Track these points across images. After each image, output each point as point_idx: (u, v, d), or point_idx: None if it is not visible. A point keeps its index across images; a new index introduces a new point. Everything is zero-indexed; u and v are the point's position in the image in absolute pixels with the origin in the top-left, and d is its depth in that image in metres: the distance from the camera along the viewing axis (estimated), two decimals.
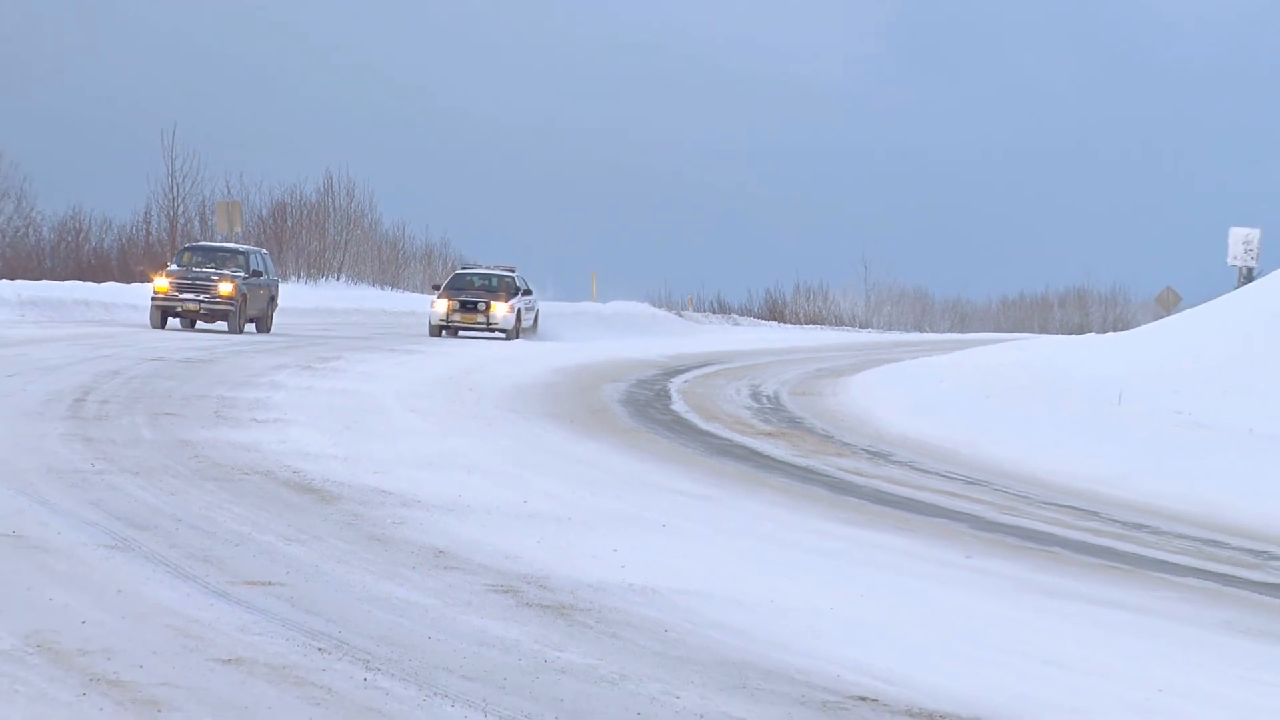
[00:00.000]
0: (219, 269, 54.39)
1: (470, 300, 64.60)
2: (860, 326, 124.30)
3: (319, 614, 15.01)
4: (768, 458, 30.56)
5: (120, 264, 78.25)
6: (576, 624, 15.30)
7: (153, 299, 54.01)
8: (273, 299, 57.64)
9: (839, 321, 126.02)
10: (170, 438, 26.56)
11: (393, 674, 13.05)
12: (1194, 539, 23.58)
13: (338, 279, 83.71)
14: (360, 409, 33.31)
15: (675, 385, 46.97)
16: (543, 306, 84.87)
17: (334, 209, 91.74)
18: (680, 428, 35.41)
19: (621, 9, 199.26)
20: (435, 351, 52.75)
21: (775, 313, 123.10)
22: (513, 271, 68.16)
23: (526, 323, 67.18)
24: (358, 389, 37.49)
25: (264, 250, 63.19)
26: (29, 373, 35.31)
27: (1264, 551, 22.68)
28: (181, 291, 53.35)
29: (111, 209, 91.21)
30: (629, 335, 76.84)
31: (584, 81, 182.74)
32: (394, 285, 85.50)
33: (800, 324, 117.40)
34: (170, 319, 53.79)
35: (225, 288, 53.23)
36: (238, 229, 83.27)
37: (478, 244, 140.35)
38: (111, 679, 12.41)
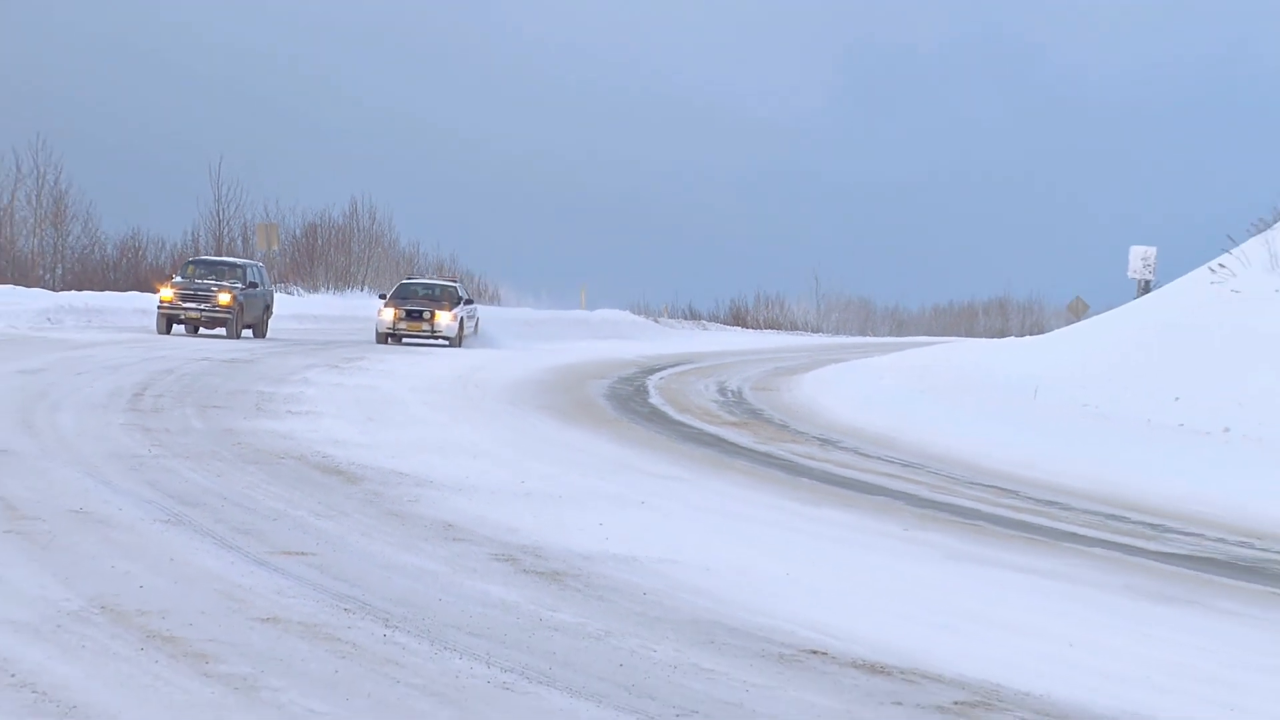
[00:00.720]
0: (219, 281, 53.50)
1: (415, 309, 56.94)
2: (812, 331, 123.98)
3: (345, 579, 15.02)
4: (732, 444, 30.54)
5: (173, 278, 78.41)
6: (567, 588, 15.30)
7: (159, 307, 53.21)
8: (268, 307, 56.85)
9: (794, 327, 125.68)
10: (217, 427, 26.55)
11: (409, 631, 13.06)
12: (1100, 514, 23.58)
13: (362, 290, 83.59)
14: (381, 402, 33.30)
15: (652, 382, 46.93)
16: (538, 314, 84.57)
17: (358, 229, 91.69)
18: (657, 418, 35.36)
19: (611, 58, 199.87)
20: (444, 353, 52.69)
21: (739, 319, 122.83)
22: (455, 282, 62.55)
23: (469, 330, 60.99)
24: (378, 385, 37.48)
25: (260, 264, 61.53)
26: (95, 371, 35.28)
27: (1160, 525, 22.69)
28: (184, 301, 52.51)
29: (165, 230, 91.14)
30: (613, 339, 76.72)
31: (577, 117, 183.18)
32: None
33: (760, 329, 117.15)
34: (175, 325, 53.03)
35: (224, 298, 52.35)
36: (275, 247, 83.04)
37: (481, 259, 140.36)
38: (166, 635, 12.41)
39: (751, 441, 31.36)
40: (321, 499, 19.92)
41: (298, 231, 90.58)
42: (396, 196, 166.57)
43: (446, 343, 56.56)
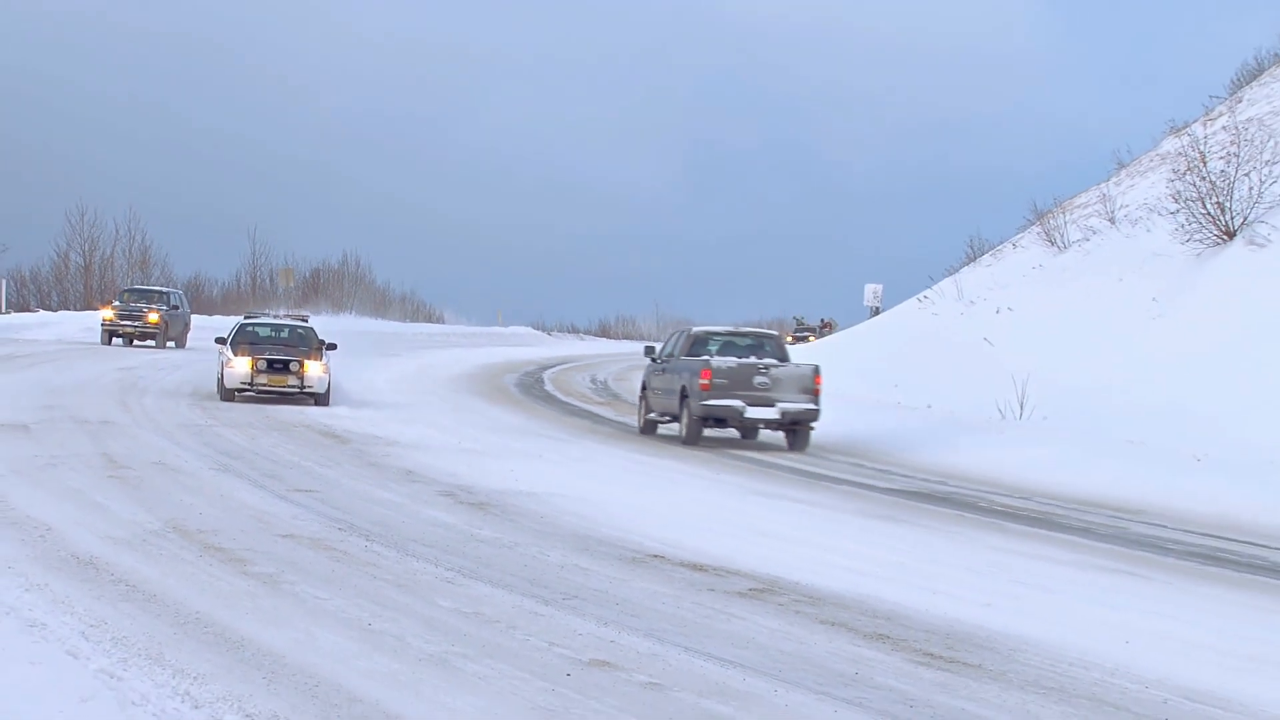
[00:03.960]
0: (149, 304, 47.32)
1: (279, 360, 28.90)
2: (654, 341, 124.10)
3: (339, 508, 14.95)
4: (600, 416, 30.56)
5: (223, 305, 77.61)
6: (489, 513, 15.28)
7: (102, 324, 46.85)
8: (186, 325, 49.68)
9: (642, 338, 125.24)
10: (251, 404, 26.38)
11: (382, 542, 13.02)
12: (846, 463, 23.73)
13: (350, 313, 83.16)
14: (364, 389, 33.13)
15: (547, 375, 46.88)
16: (470, 329, 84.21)
17: (347, 272, 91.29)
18: (549, 399, 35.31)
19: (525, 152, 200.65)
20: (416, 357, 52.31)
21: (605, 332, 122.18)
22: (307, 321, 32.83)
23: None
24: (368, 376, 37.28)
25: (181, 291, 54.35)
26: (169, 368, 35.01)
27: (885, 470, 22.86)
28: (121, 320, 46.24)
29: (218, 273, 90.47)
30: (519, 346, 76.45)
31: (502, 192, 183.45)
32: (383, 316, 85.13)
33: (619, 339, 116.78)
34: (115, 338, 46.37)
35: (153, 317, 46.34)
36: (291, 284, 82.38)
37: (432, 291, 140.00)
38: (217, 547, 12.35)
39: (613, 415, 31.39)
40: (323, 454, 19.86)
41: (307, 273, 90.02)
42: (374, 248, 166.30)
43: (312, 401, 28.78)
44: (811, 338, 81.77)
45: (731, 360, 25.50)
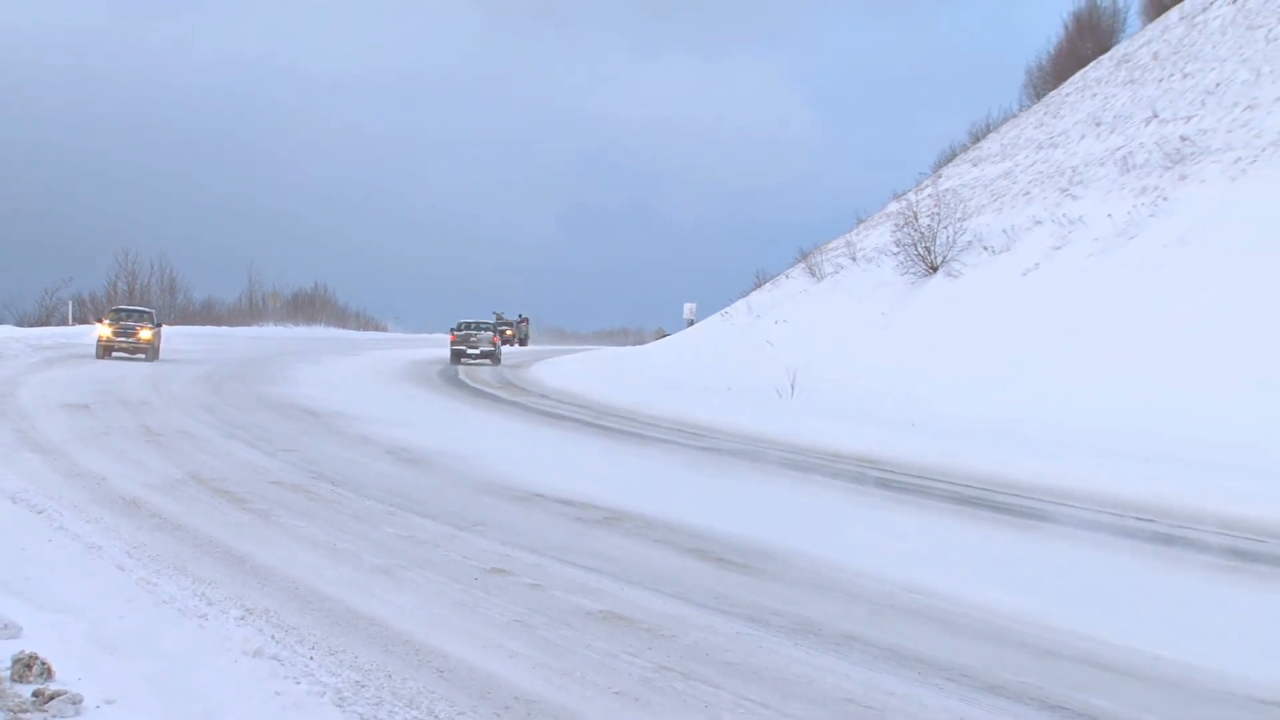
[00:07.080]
0: (138, 322, 37.59)
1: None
2: (542, 345, 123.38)
3: (314, 463, 14.76)
4: (498, 397, 30.38)
5: (228, 318, 76.13)
6: (423, 467, 15.17)
7: (99, 341, 36.90)
8: (159, 338, 38.68)
9: (534, 343, 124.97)
10: (250, 390, 25.95)
11: (344, 488, 12.89)
12: (674, 429, 23.79)
13: (320, 325, 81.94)
14: (333, 379, 32.68)
15: (460, 369, 46.53)
16: (411, 335, 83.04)
17: (317, 295, 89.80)
18: (462, 386, 35.02)
19: (450, 207, 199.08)
20: (367, 356, 51.55)
21: (509, 340, 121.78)
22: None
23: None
24: (333, 370, 36.81)
25: (154, 310, 42.59)
26: (189, 365, 34.31)
27: (701, 434, 22.93)
28: (118, 336, 36.36)
29: (225, 296, 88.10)
30: (444, 348, 75.72)
31: (431, 237, 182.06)
32: (343, 327, 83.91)
33: (514, 344, 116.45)
34: (112, 353, 36.52)
35: (145, 334, 36.79)
36: (278, 304, 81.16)
37: (379, 307, 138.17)
38: (225, 491, 12.17)
39: (508, 396, 31.22)
40: (302, 425, 19.58)
41: (289, 296, 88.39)
42: (337, 277, 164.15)
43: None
44: (509, 330, 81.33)
45: (463, 330, 42.78)
